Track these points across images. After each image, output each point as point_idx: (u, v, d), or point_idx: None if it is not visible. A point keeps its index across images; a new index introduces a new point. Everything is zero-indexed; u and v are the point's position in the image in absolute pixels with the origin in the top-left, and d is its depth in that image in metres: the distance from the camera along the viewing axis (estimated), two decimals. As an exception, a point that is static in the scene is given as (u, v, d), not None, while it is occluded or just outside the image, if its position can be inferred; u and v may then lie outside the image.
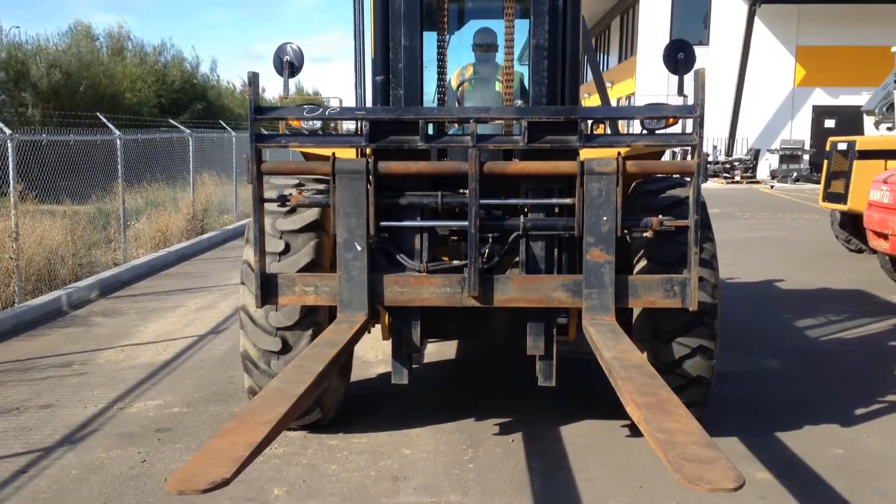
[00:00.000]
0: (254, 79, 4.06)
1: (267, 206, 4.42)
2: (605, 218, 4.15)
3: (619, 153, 4.18)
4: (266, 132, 4.35)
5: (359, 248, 4.24)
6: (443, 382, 5.85)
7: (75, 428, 4.91)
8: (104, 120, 11.22)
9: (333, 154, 4.26)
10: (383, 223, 4.33)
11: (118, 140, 10.64)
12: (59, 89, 21.84)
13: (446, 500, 3.98)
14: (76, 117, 17.52)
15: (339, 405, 4.93)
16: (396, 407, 5.25)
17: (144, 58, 28.30)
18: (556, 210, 4.42)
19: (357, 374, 5.73)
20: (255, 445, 2.71)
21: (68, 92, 22.16)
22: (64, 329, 7.38)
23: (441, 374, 6.04)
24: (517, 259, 4.44)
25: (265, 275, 4.28)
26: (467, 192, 4.17)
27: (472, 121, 4.15)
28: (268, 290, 4.29)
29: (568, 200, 4.29)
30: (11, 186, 7.96)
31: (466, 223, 4.20)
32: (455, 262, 4.42)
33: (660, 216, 4.23)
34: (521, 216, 4.35)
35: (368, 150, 4.40)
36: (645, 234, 4.30)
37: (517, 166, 4.30)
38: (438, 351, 6.52)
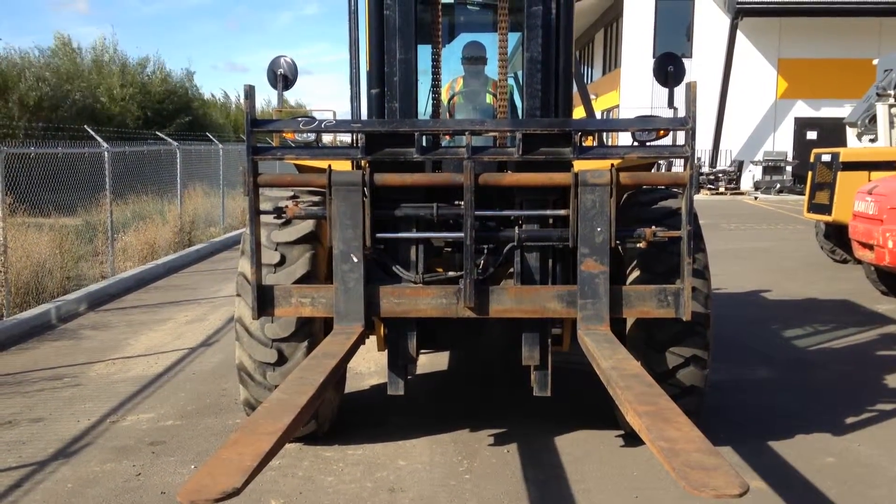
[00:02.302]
0: (250, 92, 4.08)
1: (262, 217, 4.44)
2: (599, 229, 4.18)
3: (612, 165, 4.22)
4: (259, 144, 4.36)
5: (355, 260, 4.26)
6: (437, 394, 5.86)
7: (69, 441, 4.89)
8: (92, 133, 11.19)
9: (329, 166, 4.28)
10: (379, 235, 4.35)
11: (106, 153, 10.61)
12: (42, 102, 21.72)
13: (443, 511, 4.00)
14: (60, 130, 17.44)
15: (333, 417, 4.94)
16: (391, 418, 5.25)
17: (128, 70, 28.17)
18: (551, 221, 4.45)
19: (351, 385, 5.73)
20: (263, 455, 2.73)
21: (52, 104, 22.05)
22: (54, 342, 7.34)
23: (435, 386, 6.05)
24: (512, 270, 4.47)
25: (261, 286, 4.29)
26: (462, 203, 4.20)
27: (466, 133, 4.18)
28: (264, 301, 4.29)
29: (562, 212, 4.33)
30: (0, 199, 7.93)
31: (462, 234, 4.23)
32: (451, 274, 4.44)
33: (653, 227, 4.27)
34: (516, 227, 4.39)
35: (364, 163, 4.43)
36: (638, 245, 4.34)
37: (512, 178, 4.34)
38: (432, 362, 6.53)
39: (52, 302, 8.41)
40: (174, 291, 9.94)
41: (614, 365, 3.68)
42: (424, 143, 4.32)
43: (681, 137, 4.22)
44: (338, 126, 4.34)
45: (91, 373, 6.35)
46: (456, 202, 4.34)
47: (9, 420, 5.27)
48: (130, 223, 12.43)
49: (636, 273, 4.57)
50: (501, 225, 4.46)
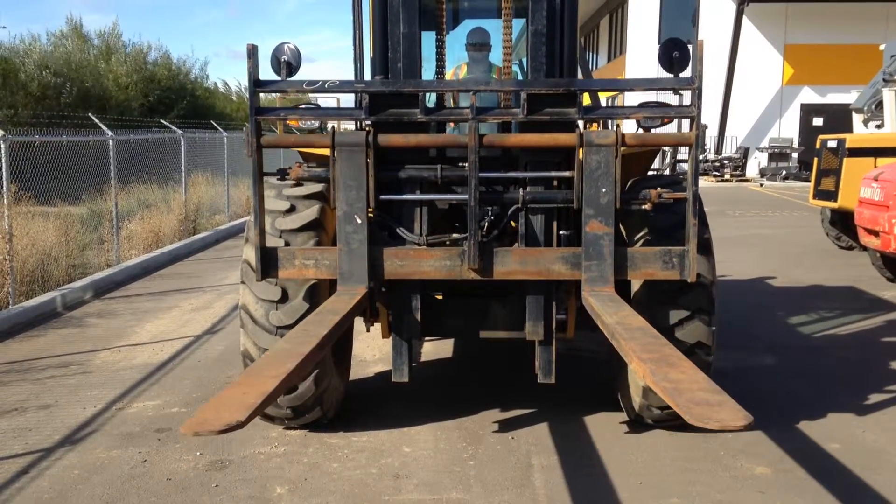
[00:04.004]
0: (253, 51, 4.06)
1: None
2: (604, 190, 4.16)
3: (617, 125, 4.21)
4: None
5: (359, 221, 4.25)
6: (441, 381, 5.87)
7: (75, 428, 4.91)
8: (96, 120, 11.19)
9: (333, 127, 4.27)
10: (383, 197, 4.34)
11: (110, 140, 10.61)
12: (46, 90, 21.70)
13: (448, 497, 4.01)
14: (64, 118, 17.44)
15: (338, 404, 4.95)
16: (395, 405, 5.26)
17: (132, 57, 28.13)
18: (555, 183, 4.43)
19: (355, 373, 5.74)
20: (266, 395, 2.76)
21: (55, 92, 22.03)
22: (60, 330, 7.36)
23: (439, 373, 6.06)
24: (516, 232, 4.45)
25: (265, 248, 4.29)
26: (466, 164, 4.19)
27: (471, 93, 4.17)
28: (268, 263, 4.29)
29: (567, 173, 4.31)
30: (5, 188, 7.94)
31: (466, 196, 4.21)
32: (455, 235, 4.43)
33: (658, 188, 4.26)
34: (521, 189, 4.37)
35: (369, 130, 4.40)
36: (644, 207, 4.32)
37: (516, 138, 4.32)
38: (436, 350, 6.54)
39: (58, 290, 8.43)
40: (179, 279, 9.96)
41: (619, 320, 3.68)
42: (428, 105, 4.29)
43: (687, 98, 4.18)
44: (341, 87, 4.29)
45: (97, 360, 6.37)
46: (460, 164, 4.33)
47: (15, 407, 5.29)
48: (135, 211, 12.44)
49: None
50: (506, 187, 4.43)
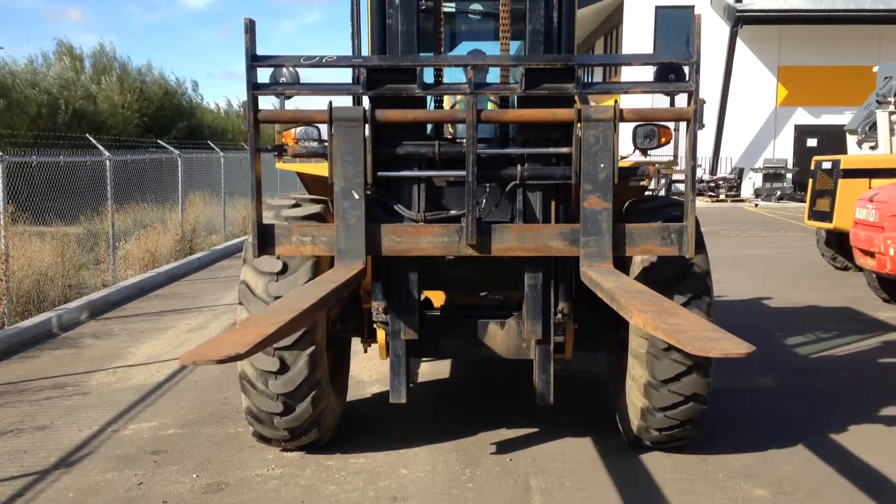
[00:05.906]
0: (250, 26, 4.08)
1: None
2: (602, 165, 4.15)
3: (615, 100, 4.21)
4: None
5: (356, 197, 4.22)
6: (439, 402, 5.85)
7: (70, 450, 4.88)
8: (93, 141, 11.20)
9: (330, 102, 4.28)
10: (380, 173, 4.32)
11: (107, 161, 10.61)
12: (41, 110, 21.73)
13: (446, 520, 3.99)
14: (60, 138, 17.45)
15: (336, 425, 4.93)
16: (393, 427, 5.24)
17: (127, 77, 28.21)
18: (554, 160, 4.42)
19: (352, 394, 5.72)
20: (265, 336, 2.81)
21: (51, 112, 22.05)
22: (55, 351, 7.34)
23: (437, 394, 6.04)
24: (515, 211, 4.45)
25: (262, 225, 4.28)
26: (464, 140, 4.18)
27: (469, 67, 4.17)
28: (265, 240, 4.28)
29: (565, 150, 4.30)
30: (1, 208, 7.93)
31: (464, 172, 4.19)
32: (453, 212, 4.41)
33: (656, 165, 4.28)
34: (519, 166, 4.36)
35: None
36: (642, 183, 4.31)
37: (514, 114, 4.32)
38: (433, 371, 6.52)
39: (54, 310, 8.40)
40: (175, 299, 9.94)
41: (618, 285, 3.68)
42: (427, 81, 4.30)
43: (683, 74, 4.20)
44: (338, 62, 4.26)
45: (93, 381, 6.35)
46: (457, 140, 4.32)
47: (11, 429, 5.26)
48: (132, 231, 12.42)
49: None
50: (504, 163, 4.43)
